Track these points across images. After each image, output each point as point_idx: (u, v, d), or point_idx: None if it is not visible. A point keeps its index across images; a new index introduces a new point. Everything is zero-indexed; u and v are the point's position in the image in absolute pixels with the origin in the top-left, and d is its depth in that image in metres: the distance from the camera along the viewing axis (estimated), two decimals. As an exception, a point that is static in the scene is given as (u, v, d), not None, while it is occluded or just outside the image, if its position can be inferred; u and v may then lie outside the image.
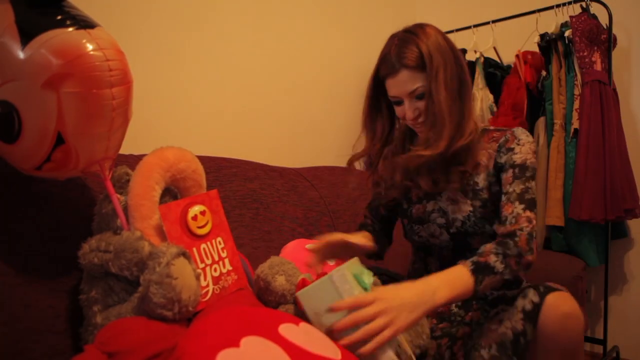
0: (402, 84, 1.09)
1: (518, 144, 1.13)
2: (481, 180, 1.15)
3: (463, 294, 0.96)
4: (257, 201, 1.56)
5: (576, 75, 1.96)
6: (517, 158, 1.11)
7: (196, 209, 1.02)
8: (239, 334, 0.67)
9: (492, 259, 1.00)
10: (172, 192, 1.11)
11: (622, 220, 1.98)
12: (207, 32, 1.80)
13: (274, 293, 1.03)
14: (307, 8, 2.15)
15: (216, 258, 1.04)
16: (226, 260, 1.06)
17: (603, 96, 1.89)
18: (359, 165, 2.27)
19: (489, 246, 1.03)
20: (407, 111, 1.12)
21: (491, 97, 2.18)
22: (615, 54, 1.99)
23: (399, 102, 1.13)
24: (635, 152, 1.96)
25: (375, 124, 1.21)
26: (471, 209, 1.15)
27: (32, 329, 0.95)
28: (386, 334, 0.83)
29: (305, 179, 1.83)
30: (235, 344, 0.65)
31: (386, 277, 1.42)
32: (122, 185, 1.08)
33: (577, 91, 1.95)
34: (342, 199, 1.86)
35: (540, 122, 2.05)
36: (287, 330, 0.74)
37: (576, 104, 1.95)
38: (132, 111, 1.02)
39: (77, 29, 0.89)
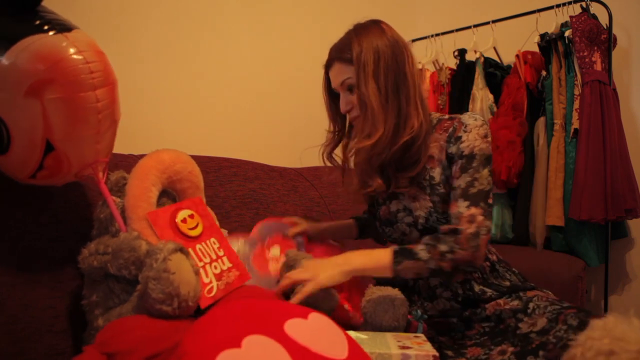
0: (335, 75, 1.16)
1: (465, 131, 1.11)
2: (437, 174, 1.14)
3: (380, 268, 1.07)
4: (257, 201, 1.56)
5: (576, 75, 1.96)
6: (465, 147, 1.10)
7: (184, 213, 1.04)
8: (242, 333, 0.67)
9: (419, 247, 1.06)
10: (170, 195, 1.11)
11: (622, 220, 1.98)
12: (207, 32, 1.80)
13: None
14: (307, 7, 2.15)
15: (214, 257, 1.05)
16: (224, 258, 1.07)
17: (603, 96, 1.88)
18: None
19: (427, 237, 1.08)
20: (340, 103, 1.17)
21: (491, 97, 2.17)
22: (615, 54, 1.99)
23: (339, 95, 1.18)
24: (635, 152, 1.96)
25: (333, 112, 1.25)
26: (431, 204, 1.14)
27: (32, 329, 0.95)
28: (309, 287, 0.99)
29: (305, 179, 1.83)
30: (236, 344, 0.65)
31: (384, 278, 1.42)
32: (119, 188, 1.09)
33: (577, 91, 1.95)
34: (342, 199, 1.86)
35: (540, 122, 2.05)
36: (294, 326, 0.74)
37: (576, 104, 1.95)
38: (120, 112, 1.02)
39: (54, 33, 0.88)
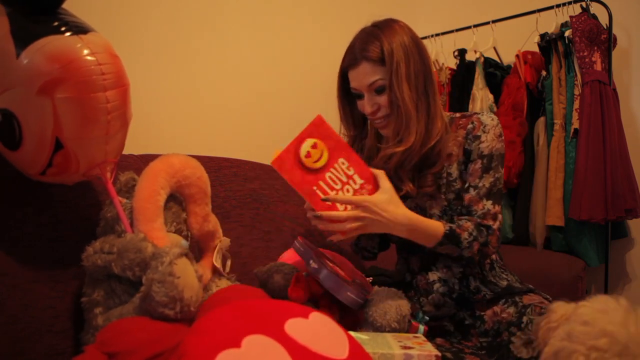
0: (361, 75, 1.11)
1: (484, 131, 1.13)
2: (454, 170, 1.15)
3: (424, 242, 1.09)
4: (257, 201, 1.56)
5: (576, 75, 1.95)
6: (485, 147, 1.12)
7: (306, 146, 1.02)
8: (242, 333, 0.67)
9: (465, 235, 1.07)
10: (178, 200, 1.12)
11: (622, 220, 1.98)
12: (208, 33, 1.80)
13: (271, 291, 1.09)
14: (307, 8, 2.15)
15: (344, 179, 1.04)
16: (355, 177, 1.06)
17: (603, 96, 1.88)
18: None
19: (470, 225, 1.09)
20: (365, 105, 1.13)
21: (491, 97, 2.17)
22: (615, 54, 1.98)
23: (360, 96, 1.14)
24: (635, 152, 1.96)
25: (349, 116, 1.22)
26: (446, 203, 1.15)
27: (32, 329, 0.95)
28: (353, 233, 1.02)
29: (306, 179, 1.82)
30: (236, 344, 0.65)
31: (384, 278, 1.42)
32: (128, 190, 1.10)
33: (577, 91, 1.95)
34: (342, 199, 1.86)
35: (540, 122, 2.05)
36: (295, 326, 0.74)
37: (576, 104, 1.95)
38: (131, 114, 1.02)
39: (69, 35, 0.90)
